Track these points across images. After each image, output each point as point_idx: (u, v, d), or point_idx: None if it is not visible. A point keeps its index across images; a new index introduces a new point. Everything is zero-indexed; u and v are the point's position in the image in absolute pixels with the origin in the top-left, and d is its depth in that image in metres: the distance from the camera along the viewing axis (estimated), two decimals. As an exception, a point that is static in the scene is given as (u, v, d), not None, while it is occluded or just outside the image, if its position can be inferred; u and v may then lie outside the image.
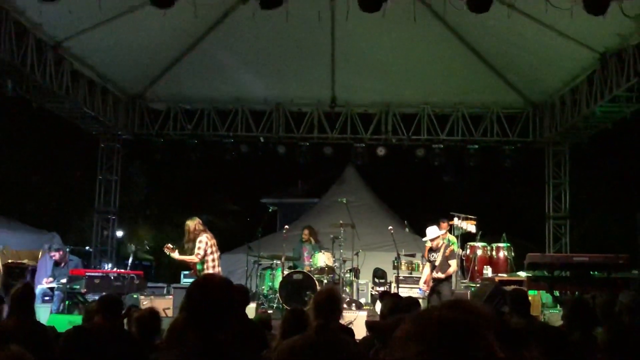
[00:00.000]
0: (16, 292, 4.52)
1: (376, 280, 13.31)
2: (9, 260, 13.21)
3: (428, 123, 14.57)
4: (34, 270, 12.94)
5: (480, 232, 12.20)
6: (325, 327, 3.84)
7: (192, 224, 9.58)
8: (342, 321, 6.47)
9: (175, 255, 9.60)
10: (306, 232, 12.96)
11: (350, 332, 6.39)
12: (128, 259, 13.34)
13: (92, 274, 10.07)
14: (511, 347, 4.07)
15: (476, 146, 14.58)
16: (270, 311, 10.43)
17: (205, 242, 9.45)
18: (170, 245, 9.70)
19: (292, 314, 4.59)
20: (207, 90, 14.52)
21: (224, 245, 16.69)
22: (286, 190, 27.28)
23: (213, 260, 9.56)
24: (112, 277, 9.96)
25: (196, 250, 9.41)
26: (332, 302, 3.92)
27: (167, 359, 2.64)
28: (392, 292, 10.83)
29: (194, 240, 9.51)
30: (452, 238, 11.88)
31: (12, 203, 18.23)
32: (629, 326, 3.53)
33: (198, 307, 2.62)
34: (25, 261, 13.28)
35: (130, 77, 14.08)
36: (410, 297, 6.70)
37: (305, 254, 12.53)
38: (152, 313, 4.84)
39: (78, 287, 9.76)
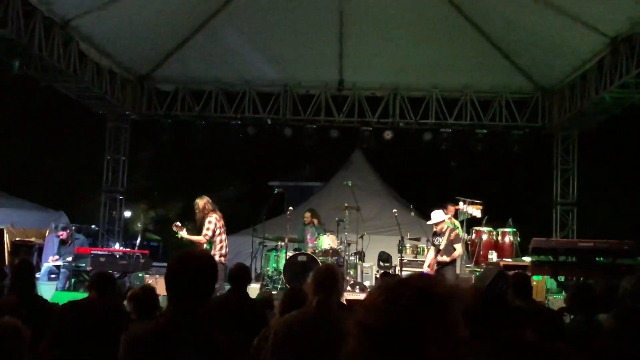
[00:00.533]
0: (14, 268, 4.55)
1: (381, 263, 13.33)
2: (17, 238, 13.32)
3: (436, 107, 14.48)
4: (40, 248, 13.05)
5: (486, 217, 12.17)
6: (324, 303, 3.86)
7: (202, 202, 9.61)
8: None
9: (183, 234, 9.66)
10: (307, 215, 12.97)
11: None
12: (136, 239, 13.43)
13: (98, 252, 10.13)
14: (510, 327, 4.08)
15: (484, 131, 14.49)
16: (274, 292, 10.47)
17: (214, 223, 9.47)
18: (178, 224, 9.75)
19: (291, 292, 4.61)
20: (215, 72, 14.50)
21: (231, 227, 16.79)
22: (294, 173, 27.29)
23: (221, 241, 9.59)
24: (117, 256, 10.01)
25: (204, 231, 9.43)
26: (331, 278, 3.93)
27: (140, 328, 2.65)
28: (392, 273, 10.85)
29: (202, 219, 9.53)
30: (457, 222, 11.88)
31: (20, 182, 18.33)
32: (635, 311, 3.50)
33: (176, 280, 2.63)
34: (32, 239, 13.39)
35: (139, 57, 14.06)
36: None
37: (309, 237, 12.56)
38: (147, 291, 4.86)
39: (83, 265, 9.83)
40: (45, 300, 4.84)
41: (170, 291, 2.66)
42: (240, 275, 5.61)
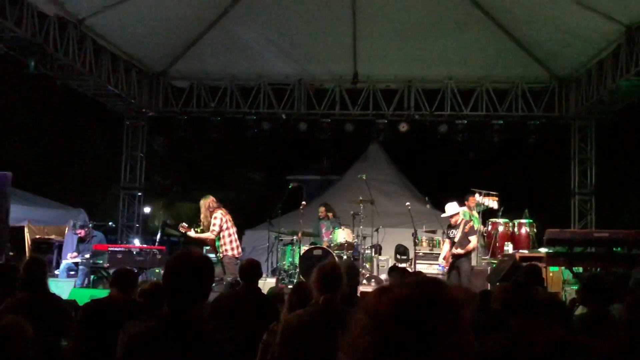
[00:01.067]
0: (24, 266, 4.63)
1: (398, 256, 13.33)
2: (37, 236, 13.52)
3: (451, 98, 14.43)
4: (60, 246, 13.24)
5: (502, 208, 12.10)
6: (330, 301, 3.90)
7: (205, 202, 9.77)
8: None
9: (191, 233, 9.83)
10: (322, 209, 12.98)
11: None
12: (156, 235, 13.56)
13: (115, 248, 10.23)
14: (527, 316, 4.07)
15: (500, 122, 14.40)
16: (290, 286, 10.51)
17: (220, 218, 9.58)
18: (185, 224, 9.94)
19: (298, 287, 4.65)
20: (230, 68, 14.56)
21: (248, 222, 16.88)
22: (311, 167, 27.32)
23: (229, 235, 9.69)
24: (134, 252, 10.10)
25: (212, 227, 9.55)
26: (335, 277, 3.98)
27: (137, 327, 2.69)
28: (400, 267, 10.84)
29: (209, 217, 9.67)
30: (475, 214, 11.85)
31: (40, 179, 18.55)
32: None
33: (173, 280, 2.66)
34: (52, 237, 13.59)
35: (153, 54, 14.16)
36: (418, 272, 6.72)
37: (324, 230, 12.57)
38: (157, 286, 4.92)
39: (101, 261, 9.93)
40: (58, 297, 4.91)
41: (167, 291, 2.70)
42: (250, 270, 5.66)
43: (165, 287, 2.69)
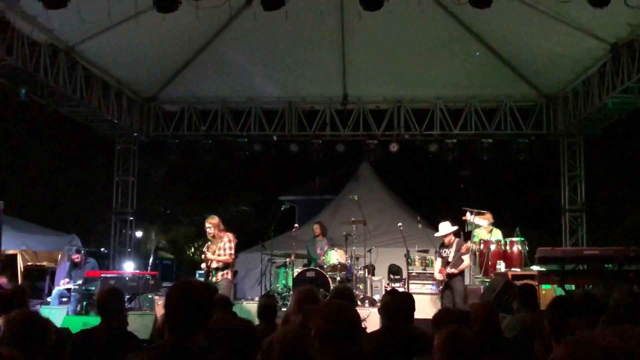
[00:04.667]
0: (7, 294, 4.60)
1: (391, 276, 13.32)
2: (29, 263, 13.47)
3: (441, 118, 14.54)
4: (53, 272, 13.19)
5: (492, 229, 12.13)
6: (305, 324, 3.94)
7: (217, 221, 9.78)
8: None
9: (210, 256, 9.75)
10: (317, 227, 12.95)
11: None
12: (149, 259, 13.52)
13: (107, 275, 10.22)
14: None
15: (490, 140, 14.51)
16: (284, 309, 10.49)
17: (233, 242, 9.67)
18: (206, 252, 9.86)
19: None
20: (220, 91, 14.63)
21: (241, 244, 16.84)
22: (303, 188, 27.34)
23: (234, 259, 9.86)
24: (126, 278, 10.10)
25: (228, 250, 9.60)
26: (311, 299, 4.07)
27: (141, 358, 2.71)
28: (388, 289, 10.86)
29: (218, 237, 9.67)
30: (496, 231, 11.79)
31: (32, 206, 18.50)
32: (624, 319, 3.52)
33: (176, 310, 2.69)
34: (44, 263, 13.53)
35: (144, 79, 14.22)
36: (405, 292, 6.80)
37: (318, 250, 12.57)
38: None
39: (93, 288, 9.92)
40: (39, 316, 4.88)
41: (170, 320, 2.73)
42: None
43: (168, 316, 2.72)
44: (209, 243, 9.78)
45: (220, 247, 9.63)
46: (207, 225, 9.78)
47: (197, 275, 12.46)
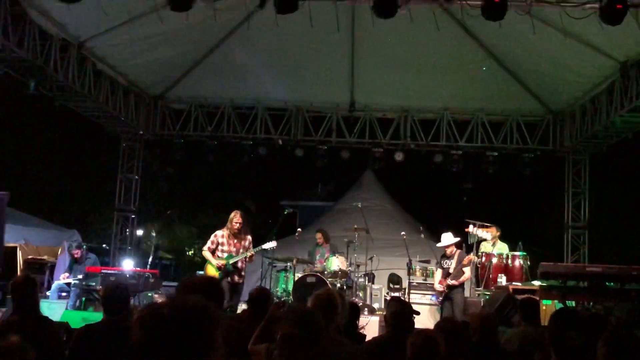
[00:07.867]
0: (16, 286, 4.58)
1: (391, 285, 13.27)
2: (29, 256, 13.43)
3: (447, 129, 14.53)
4: (52, 266, 13.15)
5: (493, 243, 12.10)
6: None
7: (240, 215, 10.04)
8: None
9: (237, 257, 10.04)
10: (319, 235, 12.94)
11: (361, 336, 6.48)
12: (149, 257, 13.50)
13: (108, 271, 10.21)
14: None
15: (495, 153, 14.50)
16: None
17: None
18: (221, 262, 9.97)
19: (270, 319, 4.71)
20: (228, 92, 14.65)
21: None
22: (306, 193, 27.33)
23: None
24: (127, 275, 10.08)
25: (251, 247, 10.03)
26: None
27: None
28: (394, 297, 10.86)
29: (243, 234, 9.83)
30: (502, 245, 11.79)
31: (33, 200, 18.50)
32: (626, 338, 3.49)
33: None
34: (44, 257, 13.50)
35: (152, 77, 14.23)
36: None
37: (318, 257, 12.54)
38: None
39: (93, 284, 9.92)
40: (49, 320, 4.88)
41: None
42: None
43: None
44: (226, 233, 9.82)
45: (246, 246, 9.78)
46: (238, 218, 9.86)
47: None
